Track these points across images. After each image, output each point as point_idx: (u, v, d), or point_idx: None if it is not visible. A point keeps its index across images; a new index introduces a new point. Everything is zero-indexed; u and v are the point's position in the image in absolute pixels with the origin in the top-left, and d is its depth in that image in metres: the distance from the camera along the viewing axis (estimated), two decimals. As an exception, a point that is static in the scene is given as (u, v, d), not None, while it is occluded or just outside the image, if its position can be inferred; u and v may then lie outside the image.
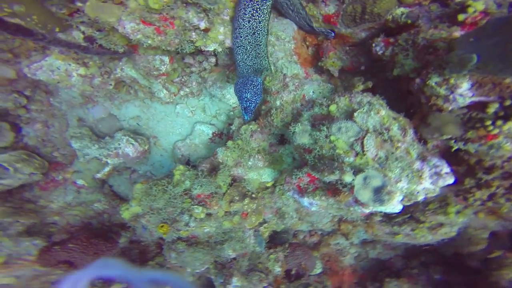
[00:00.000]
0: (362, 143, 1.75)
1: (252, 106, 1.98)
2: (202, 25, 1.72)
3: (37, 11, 1.66)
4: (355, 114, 1.80)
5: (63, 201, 3.16)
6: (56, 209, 3.20)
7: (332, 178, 1.79)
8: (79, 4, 1.60)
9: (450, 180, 1.69)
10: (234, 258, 2.92)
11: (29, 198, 3.11)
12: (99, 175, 2.72)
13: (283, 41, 2.08)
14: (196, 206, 2.34)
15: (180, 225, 2.38)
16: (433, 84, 1.69)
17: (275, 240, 3.30)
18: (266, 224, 2.77)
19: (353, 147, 1.78)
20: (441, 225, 2.49)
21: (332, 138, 1.84)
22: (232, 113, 2.52)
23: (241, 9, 1.78)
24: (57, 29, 1.77)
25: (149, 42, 1.68)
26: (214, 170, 2.45)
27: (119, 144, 2.43)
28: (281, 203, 2.63)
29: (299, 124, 2.02)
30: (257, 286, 2.92)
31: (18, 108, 2.45)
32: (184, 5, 1.61)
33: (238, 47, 1.90)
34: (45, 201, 3.14)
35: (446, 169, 1.69)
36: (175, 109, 2.49)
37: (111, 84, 2.15)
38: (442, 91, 1.67)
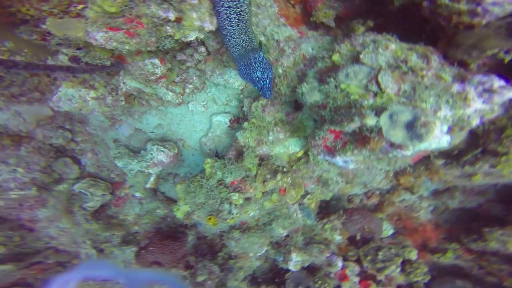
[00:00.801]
0: (377, 81, 1.49)
1: (268, 83, 1.87)
2: (171, 16, 1.63)
3: (24, 44, 1.75)
4: (361, 55, 1.56)
5: (134, 213, 3.59)
6: (132, 220, 3.66)
7: (353, 126, 1.58)
8: (43, 26, 1.62)
9: (510, 93, 1.31)
10: (288, 236, 2.89)
11: (111, 215, 3.61)
12: (148, 186, 2.99)
13: (264, 7, 1.89)
14: (232, 193, 2.37)
15: (224, 214, 2.45)
16: (447, 1, 1.37)
17: (328, 209, 3.15)
18: (309, 196, 2.64)
19: (368, 88, 1.53)
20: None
21: (342, 86, 1.62)
22: (241, 96, 2.44)
23: (225, 19, 1.71)
24: (49, 57, 1.87)
25: (127, 47, 1.67)
26: (240, 155, 2.44)
27: (152, 154, 2.62)
28: (320, 170, 2.48)
29: (305, 83, 1.85)
30: (319, 257, 2.85)
31: (68, 142, 2.85)
32: (141, 0, 1.55)
33: (233, 47, 1.85)
34: (122, 215, 3.61)
35: (498, 82, 1.31)
36: (188, 108, 2.54)
37: (122, 100, 2.28)
38: (463, 6, 1.34)
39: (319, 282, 3.25)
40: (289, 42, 1.99)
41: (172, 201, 3.30)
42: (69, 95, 2.12)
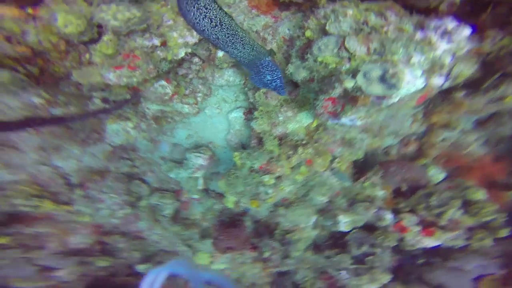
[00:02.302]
0: (345, 47, 1.58)
1: (278, 82, 2.00)
2: (156, 42, 1.88)
3: (69, 96, 2.16)
4: (327, 27, 1.67)
5: (199, 212, 4.17)
6: (200, 218, 4.26)
7: (338, 91, 1.72)
8: (73, 78, 1.98)
9: (464, 31, 1.35)
10: (330, 201, 3.05)
11: (184, 217, 4.26)
12: (199, 187, 3.48)
13: (235, 4, 2.02)
14: (263, 176, 2.65)
15: (263, 196, 2.76)
16: None
17: (366, 168, 3.17)
18: (337, 159, 2.75)
19: (341, 55, 1.63)
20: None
21: (319, 59, 1.75)
22: (246, 88, 2.66)
23: (233, 51, 1.88)
24: (88, 102, 2.29)
25: (135, 80, 1.93)
26: (261, 141, 2.69)
27: (192, 161, 3.07)
28: (341, 132, 2.58)
29: (290, 64, 2.01)
30: (366, 214, 2.94)
31: (132, 168, 3.51)
32: (127, 36, 1.81)
33: (248, 63, 2.01)
34: (192, 216, 4.23)
35: (450, 24, 1.34)
36: (206, 113, 2.87)
37: (152, 123, 2.71)
38: None
39: (380, 237, 3.31)
40: (267, 29, 2.13)
41: (222, 195, 3.76)
42: (115, 130, 2.63)
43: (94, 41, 1.84)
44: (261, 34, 2.13)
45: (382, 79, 1.44)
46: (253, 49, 1.89)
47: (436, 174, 3.21)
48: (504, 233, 2.99)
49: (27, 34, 1.72)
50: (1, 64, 1.85)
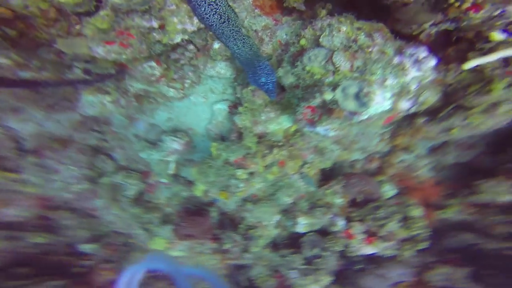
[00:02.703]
0: (332, 61, 1.74)
1: (271, 86, 2.08)
2: (155, 24, 1.88)
3: (46, 62, 2.09)
4: (320, 39, 1.82)
5: (164, 197, 4.13)
6: (164, 203, 4.21)
7: (317, 101, 1.88)
8: (56, 46, 1.96)
9: (431, 61, 1.58)
10: (294, 203, 3.25)
11: (148, 200, 4.18)
12: (170, 172, 3.48)
13: (240, 1, 2.09)
14: (237, 170, 2.76)
15: (233, 189, 2.87)
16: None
17: (331, 176, 3.43)
18: (308, 165, 2.95)
19: (327, 68, 1.79)
20: (495, 104, 2.11)
21: (307, 68, 1.90)
22: (235, 83, 2.75)
23: (233, 47, 1.94)
24: (67, 71, 2.21)
25: (124, 57, 1.93)
26: (240, 136, 2.79)
27: (167, 144, 3.07)
28: (315, 141, 2.76)
29: (280, 68, 2.14)
30: (322, 218, 3.19)
31: (100, 141, 3.39)
32: (125, 15, 1.80)
33: (243, 61, 2.11)
34: (156, 199, 4.17)
35: (422, 53, 1.57)
36: (191, 100, 2.90)
37: (133, 100, 2.66)
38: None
39: (331, 242, 3.60)
40: (266, 30, 2.24)
41: (192, 183, 3.78)
42: (90, 102, 2.54)
43: (89, 14, 1.80)
44: (260, 34, 2.23)
45: (357, 96, 1.63)
46: (251, 49, 2.00)
47: (389, 191, 3.57)
48: (424, 245, 3.40)
49: (11, -3, 1.63)
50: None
